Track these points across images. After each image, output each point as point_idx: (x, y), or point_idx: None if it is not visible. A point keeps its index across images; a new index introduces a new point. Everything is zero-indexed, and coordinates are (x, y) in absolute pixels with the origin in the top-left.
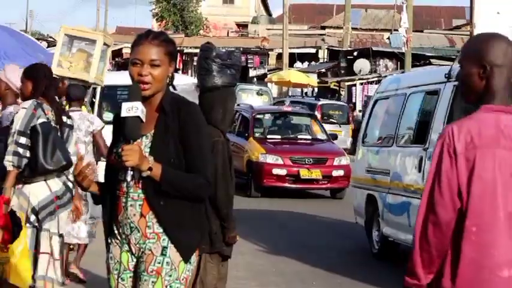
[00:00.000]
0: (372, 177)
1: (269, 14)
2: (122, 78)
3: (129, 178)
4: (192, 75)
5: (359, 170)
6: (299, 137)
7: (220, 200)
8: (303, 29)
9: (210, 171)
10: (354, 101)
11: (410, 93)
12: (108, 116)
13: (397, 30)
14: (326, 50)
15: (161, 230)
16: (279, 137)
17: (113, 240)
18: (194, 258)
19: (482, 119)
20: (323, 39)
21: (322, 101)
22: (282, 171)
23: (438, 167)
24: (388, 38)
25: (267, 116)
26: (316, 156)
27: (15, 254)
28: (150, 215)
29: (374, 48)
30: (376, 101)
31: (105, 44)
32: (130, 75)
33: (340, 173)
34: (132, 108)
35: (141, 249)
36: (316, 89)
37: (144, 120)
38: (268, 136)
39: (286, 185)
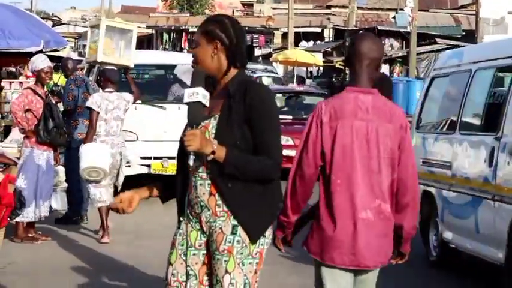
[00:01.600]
0: (428, 171)
1: None
2: None
3: (191, 162)
4: None
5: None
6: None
7: None
8: (309, 8)
9: (278, 152)
10: None
11: (477, 69)
12: None
13: (402, 9)
14: (331, 29)
15: (229, 209)
16: (291, 117)
17: (185, 218)
18: (269, 231)
19: (344, 97)
20: (328, 19)
21: None
22: (293, 153)
23: (307, 133)
24: (394, 17)
25: (278, 96)
26: None
27: None
28: (219, 193)
29: (379, 28)
30: (432, 79)
31: None
32: None
33: None
34: (193, 94)
35: (212, 228)
36: (321, 69)
37: (207, 104)
38: (280, 116)
39: None
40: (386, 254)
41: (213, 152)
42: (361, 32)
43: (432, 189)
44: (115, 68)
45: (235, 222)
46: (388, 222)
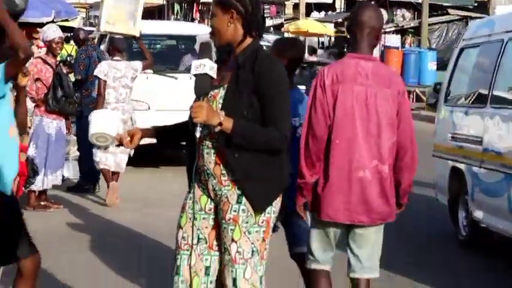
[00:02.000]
0: (457, 146)
1: None
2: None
3: (197, 134)
4: (208, 25)
5: (441, 136)
6: None
7: None
8: None
9: (286, 123)
10: None
11: (510, 39)
12: None
13: None
14: (343, 0)
15: (235, 178)
16: (304, 87)
17: (195, 184)
18: (277, 200)
19: (346, 63)
20: None
21: None
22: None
23: (314, 96)
24: None
25: None
26: None
27: None
28: (225, 163)
29: None
30: (462, 50)
31: None
32: None
33: None
34: (200, 66)
35: (218, 196)
36: (332, 39)
37: (214, 76)
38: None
39: None
40: (384, 212)
41: (220, 124)
42: (364, 1)
43: (461, 166)
44: (122, 37)
45: (240, 192)
46: (385, 182)
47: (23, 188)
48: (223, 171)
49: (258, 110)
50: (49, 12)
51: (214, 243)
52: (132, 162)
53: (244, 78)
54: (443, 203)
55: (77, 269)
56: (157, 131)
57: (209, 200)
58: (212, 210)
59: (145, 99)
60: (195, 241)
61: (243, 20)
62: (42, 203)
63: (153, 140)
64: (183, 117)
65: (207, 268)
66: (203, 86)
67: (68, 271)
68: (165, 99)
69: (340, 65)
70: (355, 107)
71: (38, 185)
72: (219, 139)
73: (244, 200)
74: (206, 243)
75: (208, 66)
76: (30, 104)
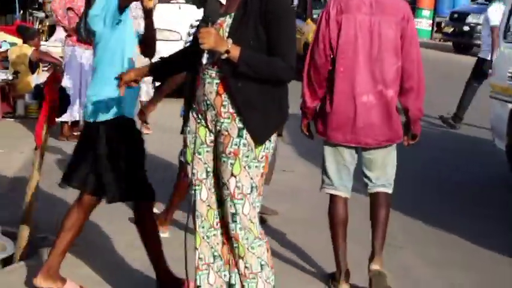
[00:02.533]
0: None
1: None
2: None
3: (204, 61)
4: None
5: (499, 75)
6: None
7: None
8: None
9: (292, 54)
10: None
11: None
12: None
13: None
14: None
15: (236, 111)
16: None
17: (191, 114)
18: (274, 137)
19: None
20: None
21: None
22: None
23: (318, 28)
24: None
25: None
26: None
27: None
28: (226, 94)
29: None
30: None
31: None
32: None
33: None
34: None
35: (218, 128)
36: None
37: (223, 2)
38: None
39: None
40: (390, 134)
41: (227, 51)
42: None
43: None
44: None
45: (241, 125)
46: (389, 105)
47: (56, 118)
48: (224, 103)
49: (264, 41)
50: None
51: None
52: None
53: (252, 7)
54: (501, 148)
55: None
56: (152, 69)
57: (207, 132)
58: (213, 142)
59: (177, 29)
60: (204, 175)
61: None
62: (75, 134)
63: None
64: None
65: (219, 200)
66: (213, 12)
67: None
68: None
69: None
70: (359, 35)
71: (74, 115)
72: (223, 68)
73: (245, 133)
74: (214, 176)
75: None
76: (62, 34)
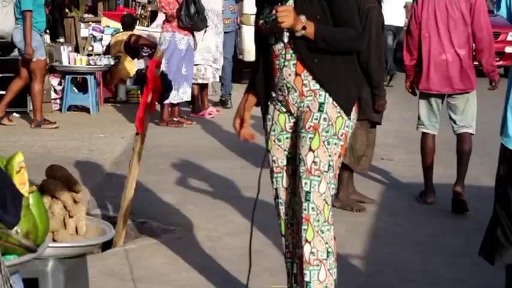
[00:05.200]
0: None
1: None
2: None
3: (285, 39)
4: None
5: None
6: None
7: (373, 67)
8: None
9: (358, 23)
10: None
11: None
12: None
13: None
14: None
15: (318, 87)
16: None
17: (271, 103)
18: (354, 114)
19: None
20: None
21: None
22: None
23: (412, 9)
24: None
25: None
26: None
27: None
28: (305, 72)
29: None
30: None
31: None
32: None
33: None
34: None
35: (299, 108)
36: None
37: None
38: None
39: None
40: (464, 84)
41: (304, 28)
42: None
43: None
44: None
45: (322, 100)
46: (463, 62)
47: (156, 103)
48: (305, 81)
49: (328, 14)
50: None
51: None
52: None
53: None
54: None
55: (208, 186)
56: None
57: (288, 117)
58: (293, 127)
59: None
60: (284, 162)
61: None
62: (175, 119)
63: None
64: None
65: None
66: None
67: (200, 187)
68: None
69: None
70: (437, 9)
71: (172, 99)
72: (298, 46)
73: (326, 108)
74: (295, 161)
75: None
76: (160, 20)
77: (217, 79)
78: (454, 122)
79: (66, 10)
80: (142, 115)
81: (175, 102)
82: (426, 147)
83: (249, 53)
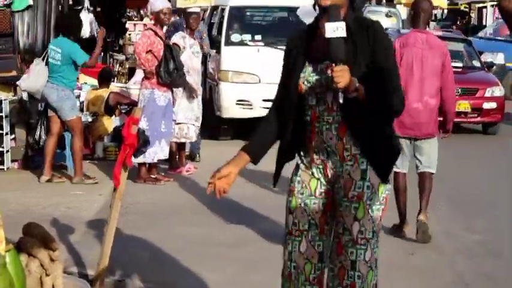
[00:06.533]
0: None
1: None
2: None
3: (341, 100)
4: None
5: None
6: None
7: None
8: None
9: (401, 87)
10: (484, 23)
11: None
12: (236, 37)
13: None
14: None
15: (359, 152)
16: None
17: (303, 166)
18: (391, 176)
19: (409, 34)
20: None
21: None
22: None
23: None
24: None
25: None
26: (465, 86)
27: None
28: (348, 136)
29: None
30: None
31: None
32: None
33: (492, 105)
34: (337, 29)
35: (338, 174)
36: (445, 11)
37: (344, 35)
38: None
39: None
40: (432, 129)
41: (357, 89)
42: None
43: None
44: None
45: (364, 167)
46: (431, 111)
47: (133, 159)
48: (347, 146)
49: (372, 77)
50: None
51: (325, 227)
52: (242, 135)
53: (360, 46)
54: None
55: (185, 242)
56: (251, 153)
57: (319, 183)
58: (323, 194)
59: (256, 72)
60: (306, 227)
61: None
62: (152, 176)
63: (263, 113)
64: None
65: (320, 254)
66: (341, 50)
67: (176, 244)
68: (276, 71)
69: (406, 36)
70: (414, 62)
71: (149, 157)
72: (344, 109)
73: (369, 175)
74: (317, 228)
75: (344, 29)
76: (139, 76)
77: (199, 137)
78: (420, 162)
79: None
80: (120, 172)
81: (154, 160)
82: (398, 185)
83: (227, 109)
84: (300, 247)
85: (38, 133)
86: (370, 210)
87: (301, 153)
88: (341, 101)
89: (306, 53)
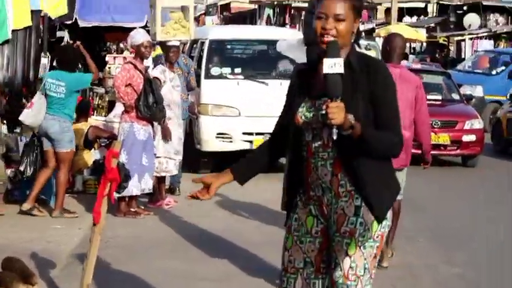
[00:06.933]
0: None
1: None
2: (230, 32)
3: (335, 137)
4: (299, 30)
5: None
6: (428, 97)
7: None
8: None
9: (400, 128)
10: (463, 56)
11: None
12: (216, 70)
13: None
14: (435, 4)
15: (354, 188)
16: None
17: (301, 203)
18: (390, 213)
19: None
20: None
21: None
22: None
23: None
24: None
25: None
26: (445, 118)
27: None
28: (342, 173)
29: (484, 3)
30: None
31: None
32: (314, 29)
33: (472, 138)
34: (334, 65)
35: (333, 210)
36: (424, 44)
37: (342, 72)
38: None
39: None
40: (406, 160)
41: (352, 127)
42: (393, 33)
43: None
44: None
45: (358, 203)
46: (405, 143)
47: (115, 194)
48: (341, 182)
49: (371, 117)
50: (142, 17)
51: (322, 265)
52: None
53: (360, 83)
54: None
55: (166, 276)
56: (237, 172)
57: (316, 221)
58: (319, 232)
59: (236, 105)
60: (301, 265)
61: (358, 26)
62: (132, 210)
63: (245, 146)
64: (273, 123)
65: None
66: (338, 86)
67: (157, 278)
68: (256, 105)
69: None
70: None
71: (129, 191)
72: (338, 146)
73: (362, 212)
74: (313, 266)
75: (342, 66)
76: (118, 110)
77: (179, 170)
78: None
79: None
80: (100, 206)
81: (137, 194)
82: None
83: (207, 143)
84: (295, 285)
85: (24, 166)
86: (362, 247)
87: (300, 189)
88: (335, 137)
89: (306, 87)
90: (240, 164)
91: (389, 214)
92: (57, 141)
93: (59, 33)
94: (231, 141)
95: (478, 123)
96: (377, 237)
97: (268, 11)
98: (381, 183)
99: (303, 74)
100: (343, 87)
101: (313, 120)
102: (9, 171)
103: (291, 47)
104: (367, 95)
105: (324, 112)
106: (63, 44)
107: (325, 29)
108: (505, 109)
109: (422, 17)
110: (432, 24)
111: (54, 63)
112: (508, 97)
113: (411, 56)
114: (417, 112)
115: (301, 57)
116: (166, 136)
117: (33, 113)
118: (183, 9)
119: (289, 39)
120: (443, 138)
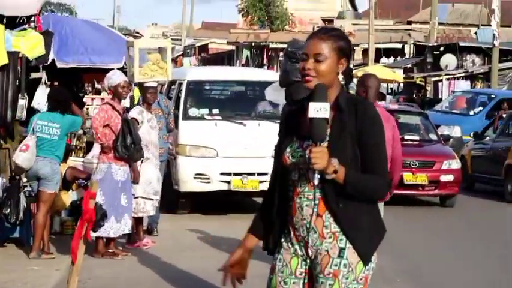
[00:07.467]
0: None
1: (355, 9)
2: (207, 73)
3: (316, 182)
4: (277, 71)
5: None
6: (405, 137)
7: None
8: (389, 24)
9: (387, 170)
10: (440, 96)
11: None
12: (194, 111)
13: (484, 25)
14: (412, 45)
15: (338, 229)
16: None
17: (285, 244)
18: (375, 256)
19: None
20: (409, 34)
21: None
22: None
23: None
24: (476, 33)
25: None
26: (422, 159)
27: None
28: (327, 214)
29: (461, 44)
30: None
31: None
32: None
33: (450, 178)
34: (320, 109)
35: (318, 250)
36: (402, 85)
37: (329, 121)
38: None
39: None
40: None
41: (335, 171)
42: (366, 73)
43: None
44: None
45: (343, 245)
46: None
47: (91, 233)
48: (326, 223)
49: (358, 159)
50: (120, 58)
51: None
52: (201, 209)
53: (348, 125)
54: None
55: None
56: (256, 230)
57: (300, 262)
58: (303, 273)
59: (214, 146)
60: None
61: (345, 69)
62: (110, 250)
63: (223, 187)
64: (251, 163)
65: None
66: (322, 131)
67: None
68: (234, 145)
69: None
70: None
71: (106, 232)
72: (325, 188)
73: (346, 253)
74: None
75: (328, 111)
76: (96, 150)
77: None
78: None
79: (1, 141)
80: (77, 246)
81: (117, 235)
82: None
83: (185, 183)
84: None
85: (9, 209)
86: None
87: (285, 230)
88: (316, 182)
89: (296, 128)
90: (253, 224)
91: (374, 257)
92: (48, 181)
93: (34, 74)
94: (209, 182)
95: (455, 163)
96: (361, 279)
97: (246, 52)
98: (367, 225)
99: (291, 114)
100: (331, 128)
101: (300, 161)
102: None
103: (275, 90)
104: (355, 136)
105: (304, 153)
106: (40, 84)
107: (304, 69)
108: (470, 146)
109: (399, 57)
110: (409, 65)
111: (35, 105)
112: (471, 135)
113: (388, 97)
114: (393, 150)
115: (280, 100)
116: (135, 178)
117: (28, 156)
118: (161, 50)
119: (272, 84)
120: (421, 178)
